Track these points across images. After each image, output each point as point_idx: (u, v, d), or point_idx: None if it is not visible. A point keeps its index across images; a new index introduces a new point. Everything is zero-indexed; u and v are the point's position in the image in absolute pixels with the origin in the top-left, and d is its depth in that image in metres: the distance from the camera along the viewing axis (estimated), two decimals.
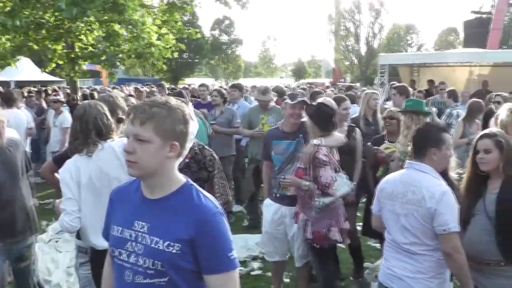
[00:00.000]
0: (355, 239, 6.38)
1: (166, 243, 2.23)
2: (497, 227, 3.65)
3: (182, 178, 2.39)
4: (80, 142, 3.89)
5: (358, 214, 7.08)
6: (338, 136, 5.31)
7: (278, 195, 5.47)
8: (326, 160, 4.90)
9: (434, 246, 3.54)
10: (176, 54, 17.57)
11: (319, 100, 5.66)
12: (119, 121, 4.33)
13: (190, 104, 5.40)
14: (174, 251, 2.22)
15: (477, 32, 23.65)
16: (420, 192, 3.53)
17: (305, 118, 5.35)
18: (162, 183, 2.32)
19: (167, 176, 2.32)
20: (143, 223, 2.31)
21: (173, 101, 2.35)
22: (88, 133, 3.88)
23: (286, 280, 6.37)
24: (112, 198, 2.57)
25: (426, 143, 3.70)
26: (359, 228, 7.67)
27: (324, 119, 5.09)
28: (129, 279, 2.31)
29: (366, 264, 6.77)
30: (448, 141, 3.77)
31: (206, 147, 4.69)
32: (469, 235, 3.81)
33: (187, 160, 4.36)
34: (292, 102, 5.40)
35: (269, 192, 5.72)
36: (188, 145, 2.36)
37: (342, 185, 5.00)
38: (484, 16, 25.74)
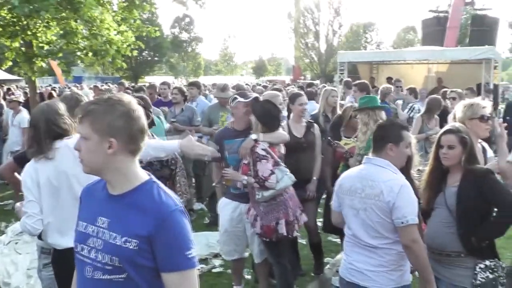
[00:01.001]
0: (315, 235, 6.43)
1: (123, 239, 2.21)
2: (457, 219, 3.73)
3: (144, 175, 2.37)
4: (35, 151, 3.81)
5: (319, 210, 7.13)
6: (281, 133, 5.39)
7: (234, 193, 5.45)
8: (264, 154, 4.94)
9: (394, 239, 3.59)
10: (135, 52, 17.39)
11: (265, 97, 5.73)
12: None
13: None
14: (131, 247, 2.20)
15: (434, 30, 24.09)
16: (378, 186, 3.57)
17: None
18: (118, 180, 2.31)
19: (122, 173, 2.30)
20: (105, 219, 2.30)
21: (116, 97, 2.33)
22: (41, 141, 3.80)
23: (248, 276, 6.38)
24: (81, 197, 2.56)
25: (384, 139, 3.74)
26: (319, 224, 7.75)
27: (268, 116, 5.14)
28: (89, 275, 2.30)
29: (326, 260, 6.84)
30: (407, 139, 3.81)
31: None
32: (431, 228, 3.92)
33: (148, 158, 4.31)
34: (246, 100, 5.38)
35: (224, 192, 5.69)
36: (140, 142, 2.33)
37: (283, 178, 5.03)
38: (441, 15, 26.23)
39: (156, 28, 17.83)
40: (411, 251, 3.53)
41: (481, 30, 22.88)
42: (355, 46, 65.19)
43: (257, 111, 5.18)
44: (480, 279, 3.66)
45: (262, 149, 5.00)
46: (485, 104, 4.57)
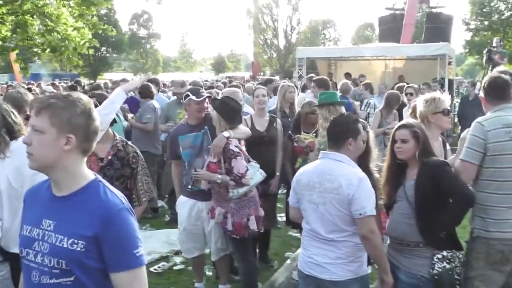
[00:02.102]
0: (266, 227, 6.49)
1: (70, 241, 2.17)
2: (416, 211, 3.83)
3: (90, 175, 2.34)
4: None
5: (280, 205, 7.19)
6: (244, 128, 5.46)
7: (192, 189, 5.44)
8: (238, 151, 4.97)
9: (352, 231, 3.68)
10: (91, 51, 17.13)
11: (225, 93, 5.76)
12: (27, 118, 4.15)
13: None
14: (78, 248, 2.17)
15: (391, 27, 24.37)
16: (337, 180, 3.63)
17: (209, 110, 5.46)
18: (66, 179, 2.26)
19: (71, 172, 2.26)
20: (50, 221, 2.25)
21: (75, 94, 2.30)
22: None
23: (209, 273, 6.40)
24: (25, 200, 2.49)
25: (343, 134, 3.82)
26: (280, 219, 7.82)
27: (230, 112, 5.16)
28: (36, 280, 2.25)
29: (287, 254, 6.93)
30: (361, 132, 3.91)
31: (130, 143, 4.60)
32: (392, 220, 4.03)
33: (109, 157, 4.27)
34: (198, 99, 5.38)
35: (181, 189, 5.68)
36: (93, 142, 2.31)
37: (255, 174, 5.09)
38: (397, 12, 26.61)
39: (113, 27, 17.57)
40: (369, 242, 3.62)
41: (436, 27, 23.27)
42: (313, 42, 65.61)
43: (219, 107, 5.19)
44: (437, 269, 3.76)
45: (235, 146, 5.02)
46: (445, 98, 4.68)
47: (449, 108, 4.67)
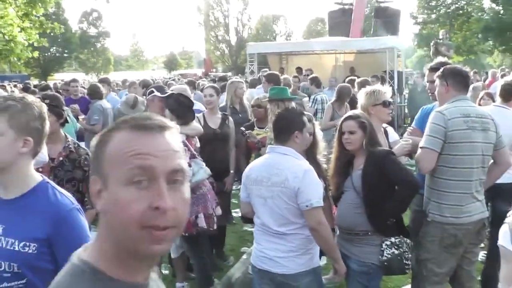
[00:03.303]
0: (222, 223, 6.52)
1: (21, 244, 2.16)
2: (363, 200, 3.92)
3: (38, 177, 2.34)
4: None
5: (235, 201, 7.22)
6: (196, 125, 5.46)
7: None
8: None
9: (302, 224, 3.71)
10: (36, 53, 16.70)
11: (176, 91, 5.75)
12: None
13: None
14: (30, 251, 2.16)
15: (340, 22, 24.57)
16: (284, 173, 3.67)
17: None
18: (16, 181, 2.26)
19: (22, 174, 2.26)
20: None
21: (30, 97, 2.30)
22: None
23: (165, 271, 6.38)
24: None
25: (289, 127, 3.85)
26: (235, 214, 7.85)
27: (182, 109, 5.18)
28: None
29: (243, 249, 6.94)
30: (307, 124, 3.97)
31: (82, 146, 4.54)
32: (341, 210, 4.13)
33: (60, 158, 4.21)
34: (162, 95, 5.37)
35: None
36: (42, 145, 2.33)
37: (198, 171, 5.09)
38: (346, 7, 26.87)
39: (61, 25, 17.20)
40: (318, 233, 3.66)
41: (384, 21, 23.63)
42: (265, 37, 65.79)
43: (171, 104, 5.19)
44: (386, 255, 3.87)
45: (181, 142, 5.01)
46: (386, 90, 4.79)
47: (389, 100, 4.77)
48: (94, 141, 1.31)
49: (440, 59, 5.62)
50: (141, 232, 1.21)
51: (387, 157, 3.95)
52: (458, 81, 4.25)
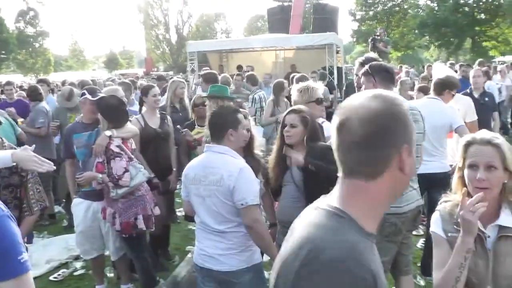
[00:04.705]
0: (166, 223, 6.51)
1: None
2: (304, 194, 3.99)
3: None
4: None
5: (179, 200, 7.20)
6: (131, 127, 5.43)
7: (86, 192, 5.36)
8: (118, 152, 4.95)
9: (239, 221, 3.73)
10: None
11: (107, 93, 5.72)
12: None
13: None
14: None
15: (279, 18, 24.73)
16: (219, 172, 3.68)
17: None
18: None
19: None
20: None
21: None
22: None
23: (110, 275, 6.32)
24: None
25: (223, 125, 3.86)
26: (179, 213, 7.85)
27: (114, 112, 5.14)
28: None
29: (188, 248, 6.96)
30: (243, 121, 3.97)
31: None
32: (281, 204, 4.19)
33: None
34: (93, 99, 5.31)
35: (75, 190, 5.57)
36: None
37: (137, 175, 5.07)
38: (285, 4, 27.07)
39: None
40: (254, 230, 3.69)
41: (323, 18, 23.86)
42: (206, 35, 65.65)
43: (102, 108, 5.14)
44: None
45: (117, 146, 4.97)
46: (318, 87, 4.87)
47: (322, 97, 4.85)
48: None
49: (370, 54, 5.77)
50: None
51: (326, 152, 4.02)
52: (384, 77, 4.37)
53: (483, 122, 6.45)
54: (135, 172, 5.06)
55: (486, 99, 8.04)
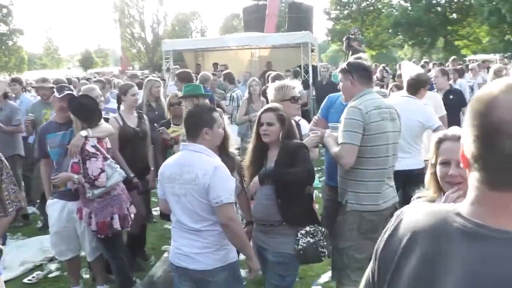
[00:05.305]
0: (142, 222, 6.50)
1: None
2: (276, 192, 4.00)
3: None
4: None
5: (155, 199, 7.18)
6: (106, 127, 5.39)
7: (61, 192, 5.31)
8: (94, 152, 4.93)
9: (215, 220, 3.73)
10: None
11: (83, 92, 5.69)
12: None
13: None
14: None
15: (255, 17, 24.75)
16: (194, 171, 3.68)
17: None
18: None
19: None
20: None
21: None
22: None
23: (86, 276, 6.27)
24: None
25: (198, 124, 3.86)
26: (155, 213, 7.83)
27: (86, 111, 5.11)
28: None
29: (164, 247, 6.94)
30: (219, 120, 3.98)
31: None
32: (256, 202, 4.19)
33: None
34: (59, 96, 5.27)
35: (51, 190, 5.50)
36: None
37: (113, 175, 5.06)
38: (260, 3, 27.09)
39: None
40: (229, 229, 3.70)
41: (298, 16, 23.95)
42: (181, 34, 65.41)
43: (74, 107, 5.10)
44: (302, 244, 3.97)
45: (92, 146, 4.95)
46: (294, 85, 4.88)
47: (297, 95, 4.86)
48: None
49: (358, 55, 5.81)
50: None
51: (299, 150, 4.05)
52: (363, 75, 4.42)
53: (450, 121, 6.54)
54: (111, 172, 5.04)
55: (451, 97, 8.11)
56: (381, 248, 1.47)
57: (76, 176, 4.92)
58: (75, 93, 5.71)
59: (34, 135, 7.97)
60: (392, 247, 1.42)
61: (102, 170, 4.94)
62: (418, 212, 1.43)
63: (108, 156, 5.14)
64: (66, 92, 5.33)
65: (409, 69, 7.40)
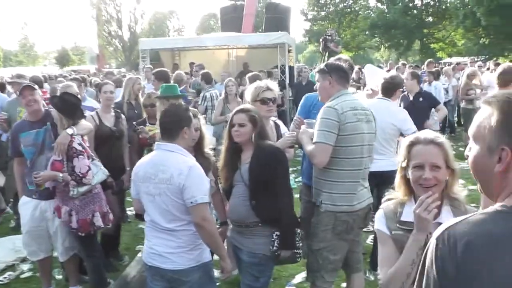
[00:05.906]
0: (116, 222, 6.48)
1: None
2: (251, 193, 4.01)
3: None
4: None
5: (129, 199, 7.14)
6: (86, 124, 5.37)
7: (36, 191, 5.22)
8: (81, 150, 4.91)
9: (189, 220, 3.74)
10: None
11: (62, 89, 5.66)
12: None
13: None
14: None
15: (232, 17, 24.65)
16: (169, 170, 3.68)
17: (49, 107, 5.32)
18: None
19: None
20: None
21: None
22: None
23: (59, 277, 6.21)
24: None
25: (178, 123, 3.85)
26: (129, 212, 7.79)
27: (71, 108, 5.08)
28: None
29: (138, 247, 6.92)
30: (194, 119, 4.02)
31: None
32: (232, 203, 4.18)
33: None
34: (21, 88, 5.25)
35: (23, 189, 5.41)
36: None
37: (97, 173, 5.07)
38: (238, 3, 27.09)
39: None
40: (203, 229, 3.71)
41: (275, 17, 23.88)
42: (158, 33, 65.20)
43: (58, 104, 5.06)
44: (277, 245, 3.98)
45: (78, 144, 4.92)
46: (267, 87, 4.80)
47: (269, 97, 4.77)
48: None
49: (339, 56, 5.84)
50: None
51: (273, 154, 4.06)
52: (341, 76, 4.44)
53: (420, 123, 6.61)
54: (96, 170, 5.07)
55: (421, 99, 8.20)
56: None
57: (61, 174, 4.88)
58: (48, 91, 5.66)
59: (8, 133, 7.88)
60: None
61: (89, 168, 4.94)
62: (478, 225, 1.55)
63: (92, 154, 5.13)
64: (25, 83, 5.29)
65: (373, 72, 7.46)
